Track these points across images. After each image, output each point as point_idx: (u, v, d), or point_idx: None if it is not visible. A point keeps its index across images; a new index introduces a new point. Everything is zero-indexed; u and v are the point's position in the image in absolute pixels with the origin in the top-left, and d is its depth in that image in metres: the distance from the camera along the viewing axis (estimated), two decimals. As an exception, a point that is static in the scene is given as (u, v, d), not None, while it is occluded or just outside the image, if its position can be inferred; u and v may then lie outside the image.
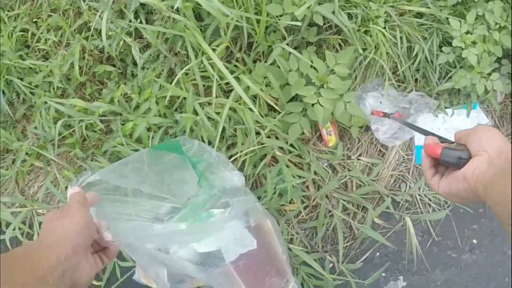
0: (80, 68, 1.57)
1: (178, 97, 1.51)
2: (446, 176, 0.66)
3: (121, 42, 1.45)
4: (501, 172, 0.56)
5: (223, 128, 1.38)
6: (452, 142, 0.70)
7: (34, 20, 1.68)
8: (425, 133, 0.78)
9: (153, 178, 1.21)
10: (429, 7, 1.48)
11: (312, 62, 1.37)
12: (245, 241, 1.16)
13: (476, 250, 1.57)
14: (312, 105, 1.36)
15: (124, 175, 1.14)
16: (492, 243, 1.57)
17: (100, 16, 1.47)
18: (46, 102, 1.57)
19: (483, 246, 1.57)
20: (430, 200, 1.53)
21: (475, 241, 1.57)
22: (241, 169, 1.46)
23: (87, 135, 1.58)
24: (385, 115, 1.50)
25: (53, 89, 1.62)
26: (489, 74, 1.48)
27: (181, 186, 1.25)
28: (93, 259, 0.68)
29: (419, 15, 1.51)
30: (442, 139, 0.72)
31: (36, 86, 1.62)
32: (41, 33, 1.64)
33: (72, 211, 0.65)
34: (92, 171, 1.08)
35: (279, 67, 1.41)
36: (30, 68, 1.63)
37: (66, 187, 1.61)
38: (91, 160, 1.65)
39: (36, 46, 1.65)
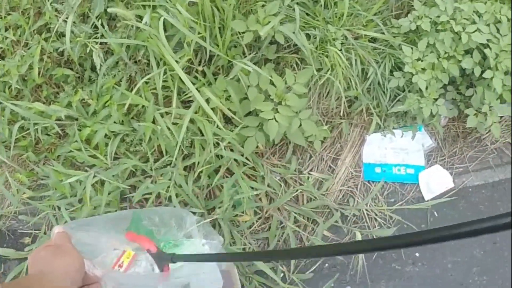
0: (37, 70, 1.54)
1: (136, 105, 1.51)
2: None
3: (87, 48, 1.45)
4: None
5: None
6: None
7: (-9, 17, 1.64)
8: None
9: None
10: (383, 33, 1.57)
11: (272, 78, 1.42)
12: (212, 279, 1.18)
13: (418, 263, 1.67)
14: (268, 120, 1.41)
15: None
16: (433, 257, 1.67)
17: (64, 19, 1.46)
18: (0, 102, 1.54)
19: (425, 259, 1.67)
20: (376, 215, 1.61)
21: (417, 254, 1.67)
22: (196, 180, 1.49)
23: (40, 139, 1.55)
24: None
25: (9, 89, 1.58)
26: (435, 99, 1.58)
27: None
28: None
29: (373, 40, 1.59)
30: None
31: (-10, 85, 1.58)
32: (-2, 31, 1.60)
33: (67, 250, 0.72)
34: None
35: (238, 82, 1.45)
36: (-16, 66, 1.58)
37: (18, 191, 1.58)
38: (43, 164, 1.63)
39: (-8, 43, 1.61)
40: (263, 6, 1.46)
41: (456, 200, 1.68)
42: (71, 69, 1.58)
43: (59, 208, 1.52)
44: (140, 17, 1.44)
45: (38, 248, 0.72)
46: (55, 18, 1.53)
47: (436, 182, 1.65)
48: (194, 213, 1.45)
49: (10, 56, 1.60)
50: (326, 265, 1.60)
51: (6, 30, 1.61)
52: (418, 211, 1.65)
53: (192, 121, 1.44)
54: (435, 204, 1.64)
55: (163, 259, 1.09)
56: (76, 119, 1.52)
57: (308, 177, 1.58)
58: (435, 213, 1.66)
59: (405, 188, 1.67)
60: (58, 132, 1.55)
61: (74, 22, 1.49)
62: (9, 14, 1.62)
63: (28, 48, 1.58)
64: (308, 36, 1.51)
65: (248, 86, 1.43)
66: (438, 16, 1.56)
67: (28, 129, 1.54)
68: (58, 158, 1.57)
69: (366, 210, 1.60)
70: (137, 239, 1.20)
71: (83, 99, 1.53)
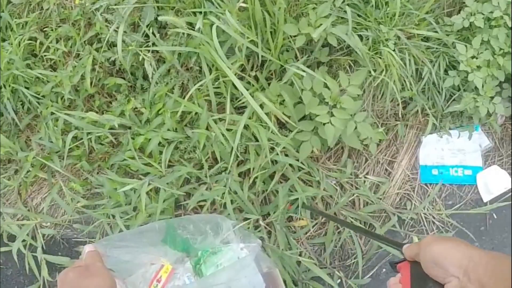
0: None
1: (189, 113, 1.51)
2: None
3: (140, 56, 1.46)
4: None
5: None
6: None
7: (42, 29, 1.67)
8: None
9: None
10: (436, 32, 1.53)
11: (325, 81, 1.40)
12: (254, 282, 1.16)
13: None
14: (324, 124, 1.38)
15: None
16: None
17: (115, 29, 1.47)
18: (53, 113, 1.56)
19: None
20: (434, 218, 1.57)
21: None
22: (251, 186, 1.48)
23: (94, 148, 1.57)
24: None
25: (61, 99, 1.60)
26: (492, 97, 1.53)
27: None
28: None
29: (426, 39, 1.55)
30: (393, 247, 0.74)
31: (43, 96, 1.61)
32: (50, 42, 1.62)
33: (97, 270, 0.72)
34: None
35: (292, 86, 1.43)
36: (37, 77, 1.61)
37: (72, 199, 1.60)
38: (97, 173, 1.64)
39: (45, 55, 1.63)
40: (314, 8, 1.44)
41: (515, 201, 1.62)
42: (123, 78, 1.59)
43: (113, 216, 1.53)
44: (190, 24, 1.44)
45: (67, 269, 0.71)
46: (106, 28, 1.54)
47: (494, 183, 1.59)
48: (248, 219, 1.44)
49: (62, 67, 1.63)
50: (384, 270, 1.56)
51: (57, 41, 1.64)
52: (477, 213, 1.59)
53: (246, 127, 1.42)
54: (494, 205, 1.58)
55: None
56: (130, 128, 1.53)
57: (364, 181, 1.55)
58: (494, 215, 1.61)
59: (463, 190, 1.62)
60: (111, 141, 1.56)
61: (125, 32, 1.49)
62: (60, 26, 1.64)
63: (80, 59, 1.60)
64: (360, 37, 1.49)
65: (302, 90, 1.41)
66: (491, 12, 1.52)
67: (82, 138, 1.55)
68: (112, 166, 1.59)
69: (424, 213, 1.55)
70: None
71: (136, 108, 1.53)
